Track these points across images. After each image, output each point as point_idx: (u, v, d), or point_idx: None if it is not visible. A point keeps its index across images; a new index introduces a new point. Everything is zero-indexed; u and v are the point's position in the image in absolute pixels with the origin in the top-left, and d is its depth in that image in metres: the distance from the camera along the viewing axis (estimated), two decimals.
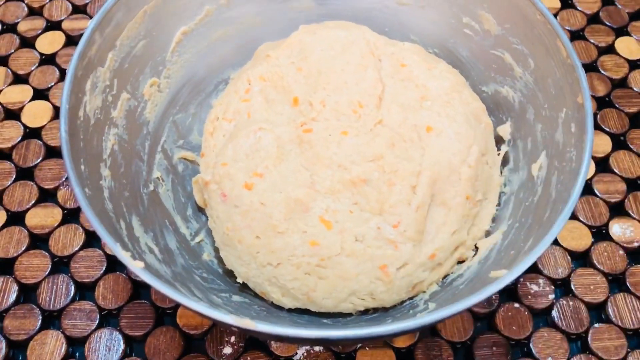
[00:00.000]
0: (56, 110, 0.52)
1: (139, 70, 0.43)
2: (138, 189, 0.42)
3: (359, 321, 0.41)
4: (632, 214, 0.49)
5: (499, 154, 0.44)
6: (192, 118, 0.47)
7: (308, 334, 0.31)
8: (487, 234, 0.42)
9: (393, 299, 0.40)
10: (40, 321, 0.43)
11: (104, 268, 0.45)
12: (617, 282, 0.47)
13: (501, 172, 0.44)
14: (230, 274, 0.42)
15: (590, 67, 0.56)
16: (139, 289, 0.45)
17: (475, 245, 0.42)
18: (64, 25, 0.57)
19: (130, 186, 0.41)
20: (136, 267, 0.33)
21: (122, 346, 0.42)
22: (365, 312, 0.41)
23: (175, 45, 0.45)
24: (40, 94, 0.53)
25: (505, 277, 0.32)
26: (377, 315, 0.41)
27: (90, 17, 0.58)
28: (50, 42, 0.56)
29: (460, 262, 0.42)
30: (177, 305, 0.43)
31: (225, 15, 0.46)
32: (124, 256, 0.33)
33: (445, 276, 0.42)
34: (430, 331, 0.44)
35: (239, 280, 0.41)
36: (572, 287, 0.45)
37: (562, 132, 0.39)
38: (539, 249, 0.33)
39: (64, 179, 0.49)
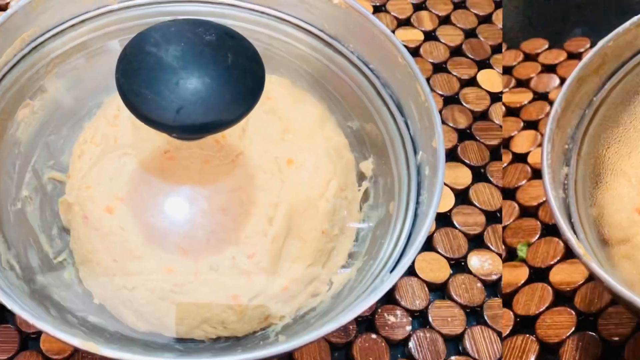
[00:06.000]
0: None
1: (13, 94, 0.43)
2: (5, 206, 0.42)
3: (210, 349, 0.42)
4: (491, 247, 0.50)
5: (359, 190, 0.45)
6: (65, 140, 0.47)
7: None
8: (343, 269, 0.44)
9: (244, 329, 0.41)
10: None
11: None
12: (474, 315, 0.49)
13: (360, 208, 0.45)
14: (88, 295, 0.43)
15: (452, 100, 0.58)
16: (5, 312, 0.45)
17: (331, 280, 0.44)
18: None
19: None
20: None
21: None
22: (218, 340, 0.42)
23: (51, 69, 0.45)
24: None
25: (344, 316, 0.34)
26: (229, 344, 0.42)
27: None
28: None
29: (314, 295, 0.43)
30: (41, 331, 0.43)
31: (100, 44, 0.46)
32: None
33: (299, 309, 0.43)
34: None
35: (96, 301, 0.42)
36: (430, 319, 0.47)
37: (417, 173, 0.40)
38: (377, 292, 0.34)
39: None
